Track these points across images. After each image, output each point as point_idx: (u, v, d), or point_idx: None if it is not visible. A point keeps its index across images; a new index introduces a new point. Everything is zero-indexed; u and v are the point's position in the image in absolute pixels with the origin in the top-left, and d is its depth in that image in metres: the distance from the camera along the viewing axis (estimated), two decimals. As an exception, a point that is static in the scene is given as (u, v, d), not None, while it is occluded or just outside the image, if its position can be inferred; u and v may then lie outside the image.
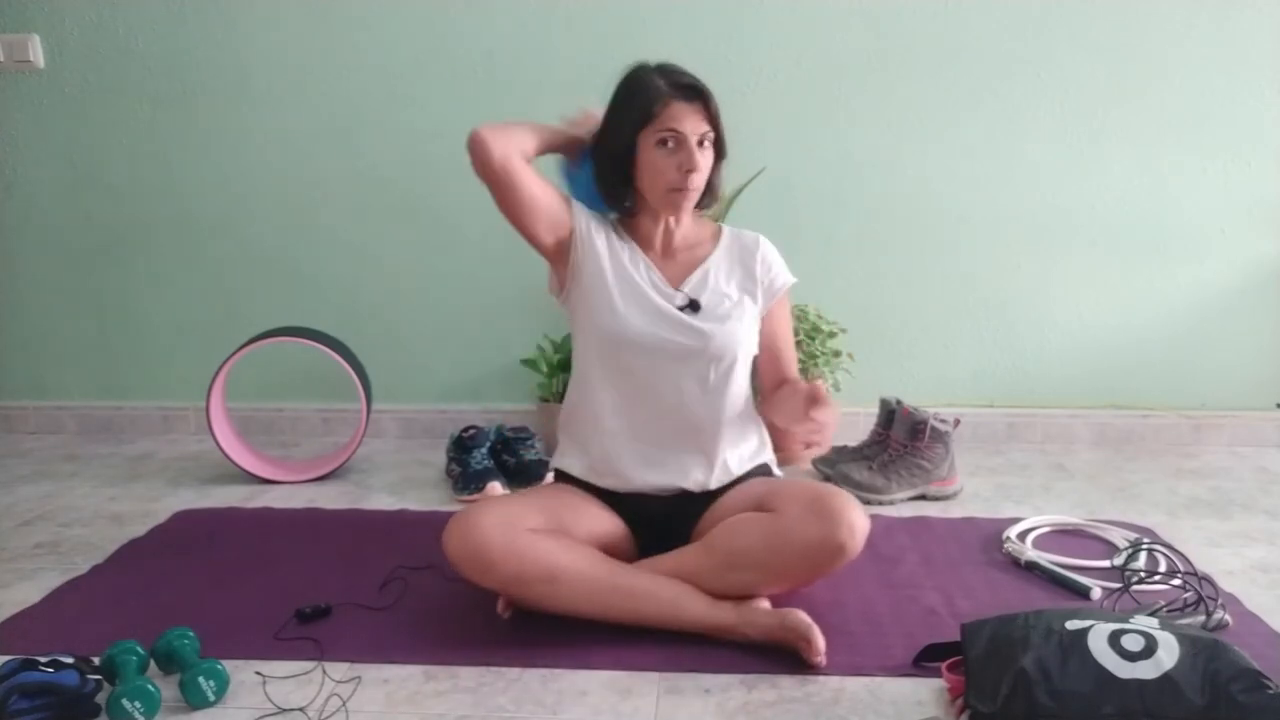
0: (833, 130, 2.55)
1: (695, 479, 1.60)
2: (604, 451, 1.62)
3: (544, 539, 1.46)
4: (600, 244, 1.62)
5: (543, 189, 1.59)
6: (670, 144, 1.52)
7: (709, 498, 1.61)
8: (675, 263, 1.65)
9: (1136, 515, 2.04)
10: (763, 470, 1.70)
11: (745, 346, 1.62)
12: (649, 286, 1.61)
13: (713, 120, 1.54)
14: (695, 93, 1.52)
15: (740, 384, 1.63)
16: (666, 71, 1.55)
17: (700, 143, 1.53)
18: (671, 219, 1.63)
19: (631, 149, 1.55)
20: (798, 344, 2.31)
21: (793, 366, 1.73)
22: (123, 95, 2.67)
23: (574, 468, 1.67)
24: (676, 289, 1.62)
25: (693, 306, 1.60)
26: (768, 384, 1.72)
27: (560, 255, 1.62)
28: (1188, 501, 2.14)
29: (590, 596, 1.46)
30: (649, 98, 1.52)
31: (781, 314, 1.71)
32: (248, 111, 2.65)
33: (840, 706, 1.31)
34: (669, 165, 1.52)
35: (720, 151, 1.59)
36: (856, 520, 1.42)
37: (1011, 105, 2.51)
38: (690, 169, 1.52)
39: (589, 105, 1.65)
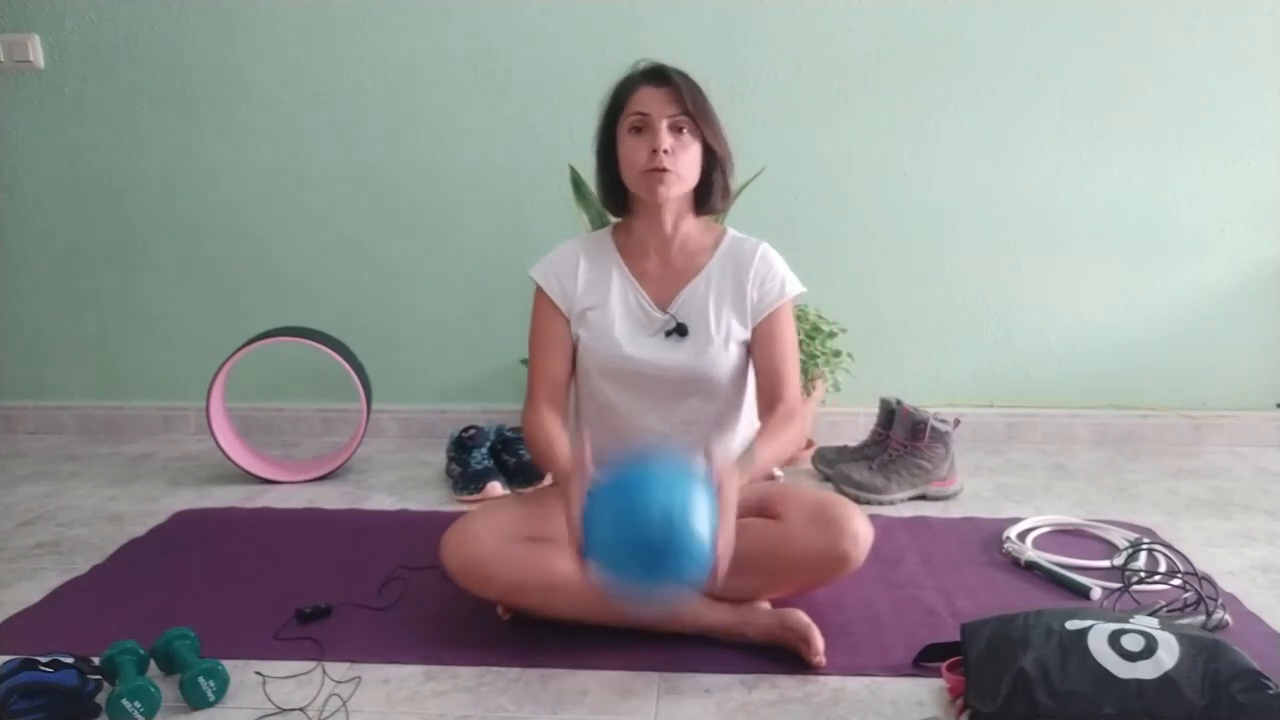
0: (833, 130, 2.55)
1: None
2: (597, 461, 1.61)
3: (541, 547, 1.46)
4: (580, 290, 1.61)
5: (549, 343, 1.62)
6: (639, 129, 1.51)
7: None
8: (671, 272, 1.61)
9: (1136, 515, 2.04)
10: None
11: (733, 370, 1.58)
12: (636, 316, 1.59)
13: (684, 104, 1.48)
14: (662, 77, 1.51)
15: (730, 404, 1.60)
16: (644, 67, 1.55)
17: (676, 128, 1.49)
18: (668, 224, 1.58)
19: (613, 145, 1.55)
20: (799, 344, 2.30)
21: (788, 385, 1.57)
22: (123, 95, 2.67)
23: None
24: (665, 309, 1.59)
25: (679, 331, 1.56)
26: (762, 402, 1.62)
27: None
28: (1188, 501, 2.14)
29: (589, 602, 1.44)
30: (620, 89, 1.55)
31: (772, 329, 1.58)
32: (248, 111, 2.65)
33: (840, 706, 1.31)
34: (639, 149, 1.50)
35: (710, 145, 1.53)
36: (860, 530, 1.41)
37: (1011, 105, 2.51)
38: (655, 147, 1.47)
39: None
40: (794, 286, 1.61)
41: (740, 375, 1.61)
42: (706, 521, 1.24)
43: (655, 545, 1.21)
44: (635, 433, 1.58)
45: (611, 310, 1.59)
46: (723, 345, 1.56)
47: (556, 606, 1.46)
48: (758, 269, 1.59)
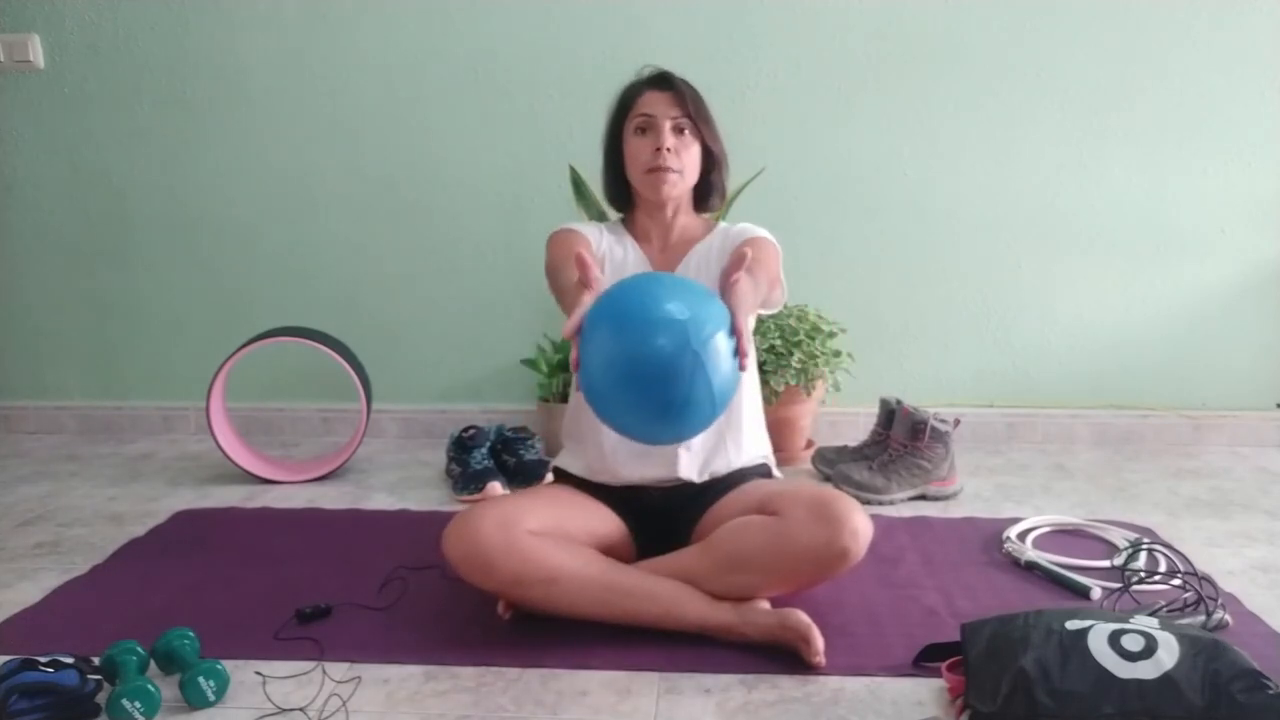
0: (833, 130, 2.55)
1: (688, 469, 1.61)
2: (599, 448, 1.62)
3: (543, 540, 1.46)
4: (603, 250, 1.68)
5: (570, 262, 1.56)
6: (645, 129, 1.62)
7: (709, 494, 1.61)
8: (670, 256, 1.69)
9: (1136, 515, 2.04)
10: (762, 470, 1.70)
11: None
12: None
13: (686, 107, 1.60)
14: (666, 82, 1.63)
15: None
16: (650, 73, 1.67)
17: (678, 129, 1.60)
18: (668, 214, 1.67)
19: (620, 145, 1.66)
20: (798, 344, 2.31)
21: (758, 263, 1.48)
22: (123, 95, 2.67)
23: (573, 466, 1.68)
24: None
25: None
26: None
27: None
28: (1188, 501, 2.14)
29: (590, 597, 1.46)
30: (627, 93, 1.66)
31: (747, 244, 1.54)
32: (248, 111, 2.65)
33: (840, 706, 1.31)
34: (644, 148, 1.61)
35: (709, 148, 1.64)
36: (860, 525, 1.42)
37: (1011, 105, 2.51)
38: (658, 145, 1.58)
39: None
40: (772, 237, 1.66)
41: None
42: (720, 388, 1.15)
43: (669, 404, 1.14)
44: None
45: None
46: None
47: (557, 601, 1.46)
48: (742, 231, 1.67)
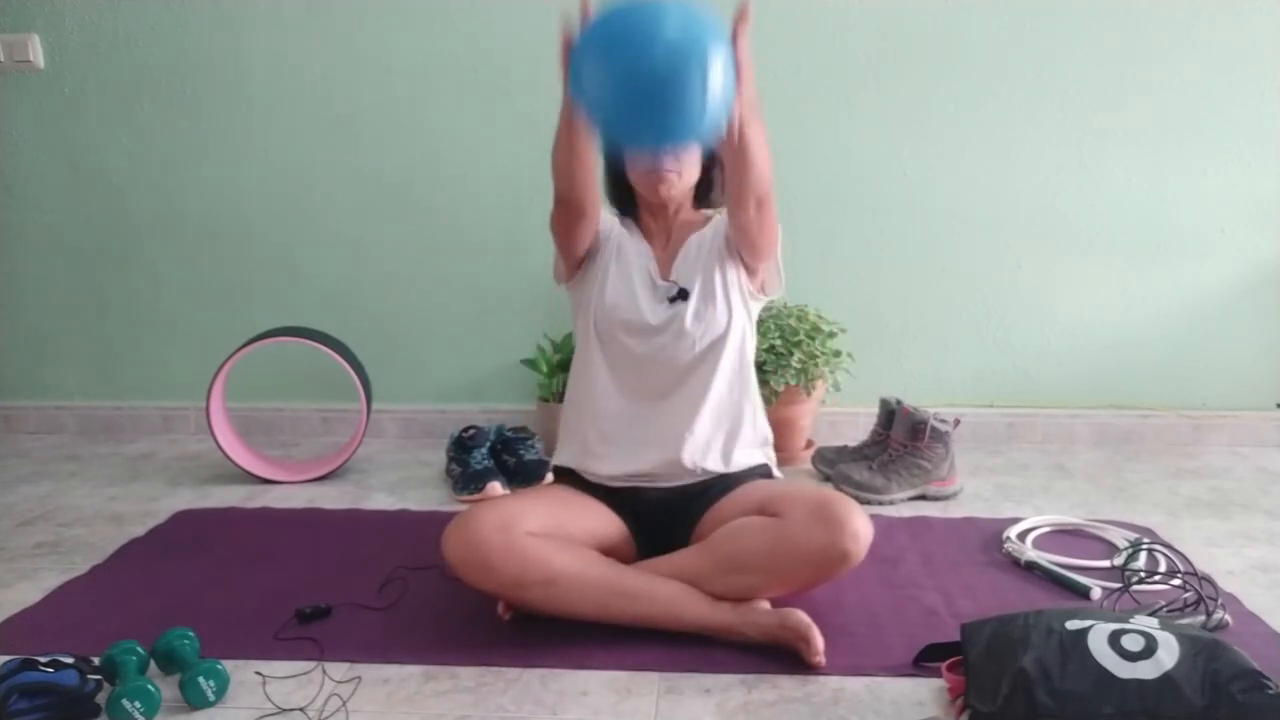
0: (833, 130, 2.55)
1: (689, 456, 1.60)
2: (600, 433, 1.63)
3: (543, 542, 1.46)
4: (613, 238, 1.68)
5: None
6: None
7: (708, 495, 1.61)
8: (671, 251, 1.69)
9: (1136, 515, 2.04)
10: (763, 471, 1.70)
11: (733, 324, 1.62)
12: (646, 274, 1.66)
13: None
14: None
15: (731, 364, 1.63)
16: None
17: None
18: (670, 213, 1.68)
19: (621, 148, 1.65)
20: (798, 344, 2.31)
21: None
22: (123, 95, 2.67)
23: (572, 459, 1.68)
24: (668, 278, 1.65)
25: (682, 295, 1.62)
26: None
27: (585, 257, 1.68)
28: (1188, 501, 2.14)
29: (590, 598, 1.46)
30: None
31: None
32: (248, 111, 2.65)
33: (840, 706, 1.31)
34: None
35: (710, 149, 1.62)
36: (860, 527, 1.42)
37: (1011, 105, 2.51)
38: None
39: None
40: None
41: (735, 329, 1.63)
42: (721, 72, 1.12)
43: (658, 81, 1.10)
44: (641, 389, 1.62)
45: (631, 272, 1.65)
46: (723, 295, 1.62)
47: (557, 602, 1.46)
48: None
